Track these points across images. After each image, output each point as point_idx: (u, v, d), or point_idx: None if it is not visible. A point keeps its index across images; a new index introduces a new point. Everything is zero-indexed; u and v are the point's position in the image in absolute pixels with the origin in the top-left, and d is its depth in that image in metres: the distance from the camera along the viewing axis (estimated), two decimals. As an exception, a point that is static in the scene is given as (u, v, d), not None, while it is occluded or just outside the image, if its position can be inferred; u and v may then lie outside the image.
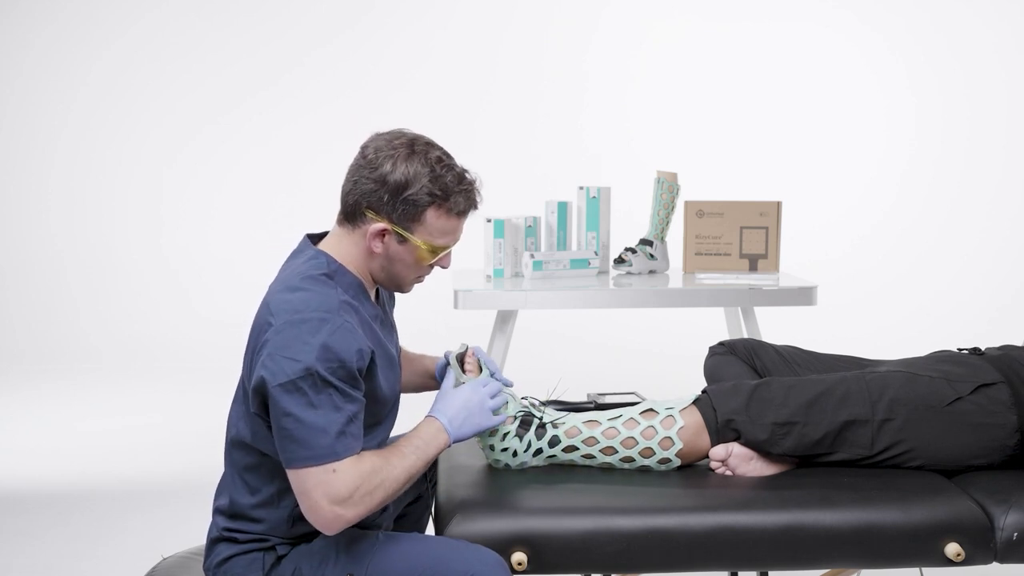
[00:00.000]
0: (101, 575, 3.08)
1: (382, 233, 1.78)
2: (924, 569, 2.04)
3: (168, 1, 6.56)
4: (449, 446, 1.84)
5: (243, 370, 1.80)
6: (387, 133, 1.83)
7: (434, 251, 1.81)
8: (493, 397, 1.91)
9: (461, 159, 1.88)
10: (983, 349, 2.22)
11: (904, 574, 2.64)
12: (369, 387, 1.77)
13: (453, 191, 1.79)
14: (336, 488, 1.65)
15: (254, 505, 1.79)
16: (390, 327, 1.96)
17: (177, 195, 6.52)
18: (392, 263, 1.82)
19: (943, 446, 2.01)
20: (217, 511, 1.84)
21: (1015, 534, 1.83)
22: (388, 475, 1.71)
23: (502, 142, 6.46)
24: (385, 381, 1.82)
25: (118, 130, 6.59)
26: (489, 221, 3.23)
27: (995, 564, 1.88)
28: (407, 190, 1.76)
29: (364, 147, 1.82)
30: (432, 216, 1.78)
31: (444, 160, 1.80)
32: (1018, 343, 2.32)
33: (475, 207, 1.86)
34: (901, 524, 1.83)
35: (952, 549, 1.82)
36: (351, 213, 1.80)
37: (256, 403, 1.72)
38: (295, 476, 1.68)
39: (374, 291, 1.89)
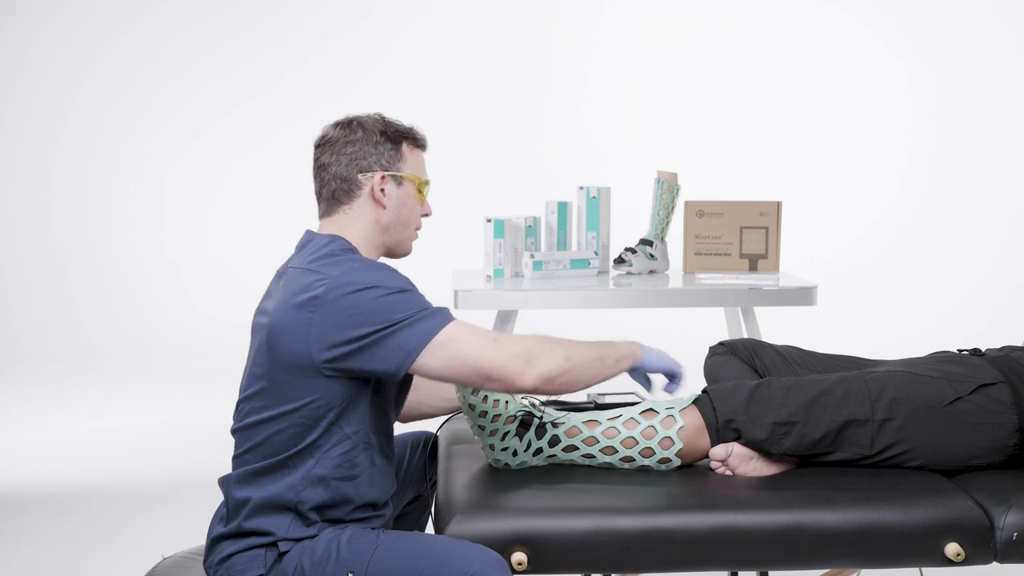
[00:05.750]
0: (101, 575, 3.08)
1: (382, 180, 1.90)
2: (924, 569, 2.04)
3: (168, 2, 6.56)
4: (634, 365, 1.93)
5: (275, 345, 1.78)
6: (324, 128, 1.97)
7: (420, 189, 1.96)
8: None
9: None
10: (983, 350, 2.22)
11: (904, 574, 2.64)
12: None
13: (405, 126, 1.97)
14: (514, 346, 1.76)
15: (273, 465, 1.79)
16: None
17: (177, 195, 6.53)
18: (400, 209, 1.93)
19: (943, 446, 2.01)
20: (228, 489, 1.83)
21: (1015, 534, 1.83)
22: (568, 345, 1.81)
23: (502, 142, 6.47)
24: None
25: (118, 130, 6.59)
26: (489, 221, 3.23)
27: (995, 564, 1.88)
28: (381, 134, 1.91)
29: (317, 144, 1.95)
30: (407, 150, 1.94)
31: (381, 114, 1.97)
32: (1018, 344, 2.32)
33: (427, 142, 2.01)
34: (901, 524, 1.83)
35: (952, 549, 1.82)
36: (343, 191, 1.91)
37: (338, 347, 1.73)
38: (438, 353, 1.73)
39: None
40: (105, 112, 6.58)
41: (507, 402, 2.01)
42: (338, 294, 1.74)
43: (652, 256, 3.41)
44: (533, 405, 2.05)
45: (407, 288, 1.78)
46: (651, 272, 3.42)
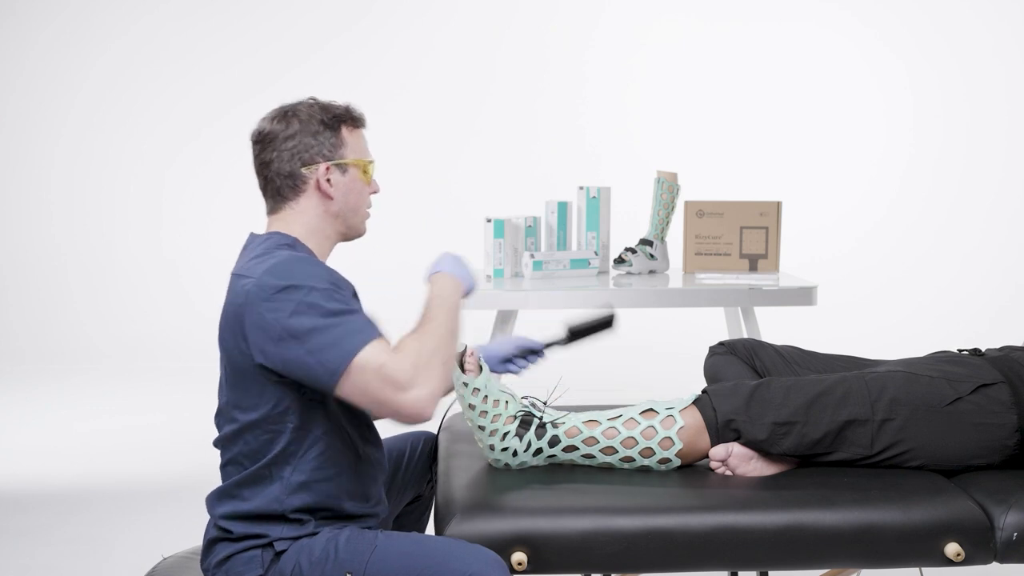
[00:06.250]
0: (101, 575, 3.08)
1: (327, 171, 1.86)
2: (924, 569, 2.04)
3: (167, 2, 6.56)
4: (467, 292, 1.88)
5: (227, 355, 1.79)
6: (259, 122, 1.91)
7: (366, 170, 1.91)
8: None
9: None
10: (983, 350, 2.22)
11: (904, 574, 2.65)
12: None
13: (341, 107, 1.90)
14: (393, 373, 1.66)
15: (252, 477, 1.78)
16: None
17: (177, 195, 6.53)
18: (348, 196, 1.89)
19: (943, 446, 2.01)
20: (213, 507, 1.84)
21: (1015, 534, 1.83)
22: (433, 339, 1.73)
23: (502, 142, 6.47)
24: None
25: (118, 130, 6.59)
26: (489, 221, 3.23)
27: (995, 564, 1.88)
28: (319, 123, 1.86)
29: (254, 141, 1.89)
30: (347, 133, 1.89)
31: (315, 98, 1.91)
32: (1018, 344, 2.32)
33: (365, 119, 1.95)
34: (901, 524, 1.83)
35: (952, 549, 1.82)
36: (287, 187, 1.87)
37: (269, 357, 1.71)
38: (349, 386, 1.67)
39: None
40: (105, 112, 6.58)
41: (507, 402, 2.01)
42: (259, 298, 1.71)
43: (652, 256, 3.41)
44: (533, 405, 2.05)
45: (322, 287, 1.71)
46: (651, 272, 3.42)
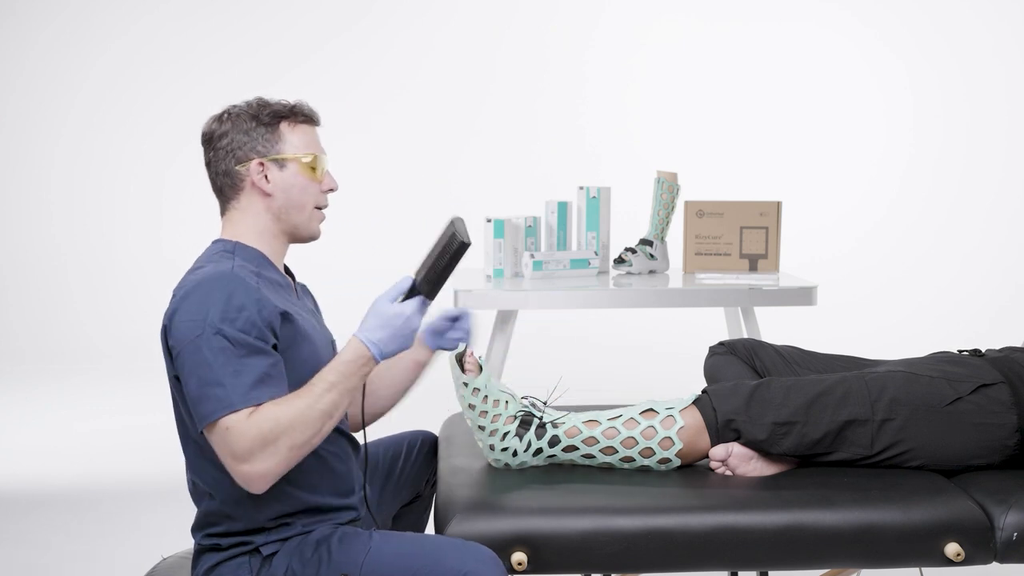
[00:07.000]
0: (101, 575, 3.08)
1: (260, 168, 1.82)
2: (924, 569, 2.04)
3: (168, 2, 6.56)
4: (382, 359, 1.75)
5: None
6: (204, 124, 1.89)
7: (312, 167, 1.85)
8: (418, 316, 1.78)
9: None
10: (983, 351, 2.22)
11: (904, 574, 2.64)
12: (289, 354, 1.75)
13: (286, 104, 1.86)
14: (234, 443, 1.64)
15: (221, 504, 1.79)
16: (315, 311, 1.97)
17: (177, 195, 6.53)
18: (288, 192, 1.84)
19: (943, 446, 2.01)
20: (194, 526, 1.84)
21: (1015, 534, 1.83)
22: (296, 420, 1.66)
23: (502, 142, 6.47)
24: (309, 352, 1.80)
25: (118, 130, 6.59)
26: (489, 221, 3.23)
27: (995, 564, 1.88)
28: (252, 120, 1.83)
29: (201, 142, 1.87)
30: (287, 130, 1.84)
31: (260, 97, 1.87)
32: (1019, 344, 2.32)
33: (317, 117, 1.90)
34: (901, 524, 1.83)
35: (952, 549, 1.82)
36: (227, 186, 1.85)
37: (173, 383, 1.74)
38: (211, 435, 1.67)
39: (281, 265, 1.90)
40: (105, 112, 6.58)
41: (507, 402, 2.01)
42: (171, 320, 1.71)
43: (652, 256, 3.41)
44: (533, 405, 2.05)
45: (225, 329, 1.66)
46: (651, 272, 3.42)
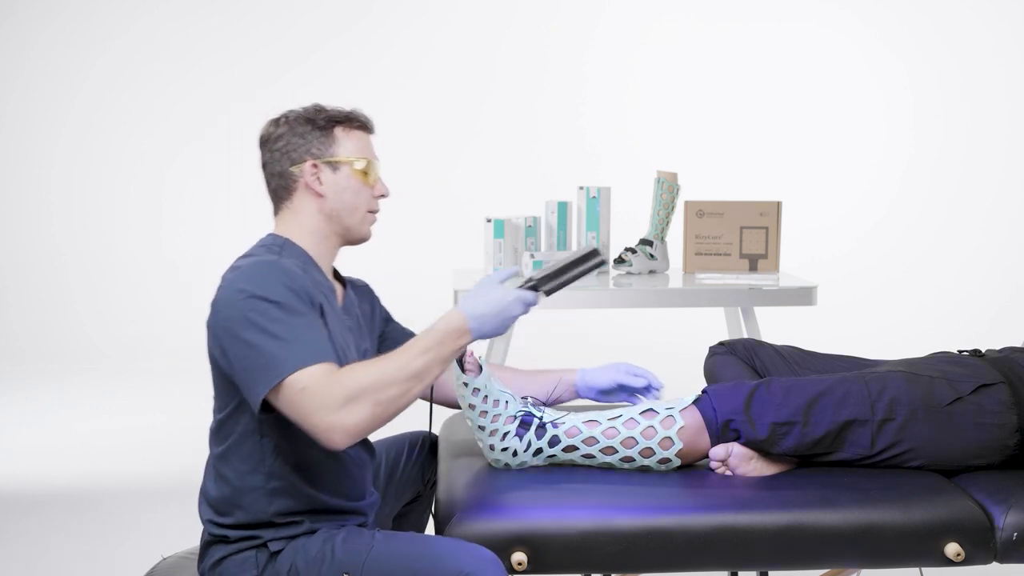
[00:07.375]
0: (101, 575, 3.08)
1: (314, 169, 1.86)
2: (924, 569, 2.04)
3: (168, 2, 6.56)
4: (474, 339, 1.76)
5: (209, 350, 1.81)
6: (262, 127, 1.94)
7: (365, 171, 1.89)
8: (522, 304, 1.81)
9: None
10: (983, 351, 2.22)
11: (904, 574, 2.64)
12: None
13: (342, 111, 1.91)
14: (314, 399, 1.64)
15: (233, 492, 1.79)
16: (355, 326, 1.97)
17: (177, 195, 6.53)
18: (341, 195, 1.87)
19: (943, 446, 2.01)
20: (204, 515, 1.85)
21: (1015, 534, 1.83)
22: (382, 378, 1.67)
23: (502, 142, 6.47)
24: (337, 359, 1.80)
25: (118, 130, 6.59)
26: (489, 221, 3.23)
27: (995, 564, 1.88)
28: (308, 124, 1.87)
29: (259, 145, 1.92)
30: (342, 134, 1.89)
31: (317, 103, 1.93)
32: (1019, 344, 2.32)
33: (372, 125, 1.95)
34: (901, 524, 1.83)
35: (952, 549, 1.82)
36: (282, 187, 1.89)
37: (219, 355, 1.73)
38: (278, 404, 1.67)
39: (330, 270, 1.93)
40: (105, 112, 6.58)
41: (507, 402, 2.01)
42: (220, 298, 1.73)
43: (652, 256, 3.41)
44: (533, 405, 2.06)
45: (274, 299, 1.69)
46: (651, 272, 3.42)
